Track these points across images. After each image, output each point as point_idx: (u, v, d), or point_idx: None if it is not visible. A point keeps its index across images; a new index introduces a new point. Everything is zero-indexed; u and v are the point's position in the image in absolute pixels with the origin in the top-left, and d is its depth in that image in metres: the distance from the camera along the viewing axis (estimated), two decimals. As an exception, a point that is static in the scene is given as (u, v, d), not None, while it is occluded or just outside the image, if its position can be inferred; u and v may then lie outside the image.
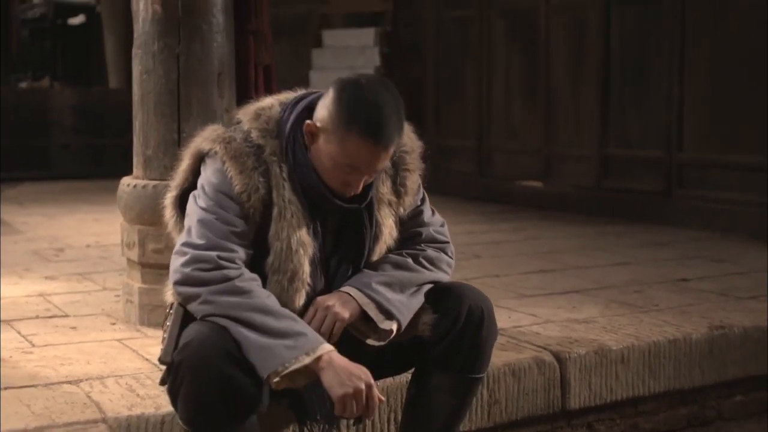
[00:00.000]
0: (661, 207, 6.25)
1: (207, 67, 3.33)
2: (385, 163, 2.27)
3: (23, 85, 11.28)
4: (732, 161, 5.86)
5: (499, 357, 2.97)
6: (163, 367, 2.26)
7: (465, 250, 4.85)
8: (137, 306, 3.40)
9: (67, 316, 3.57)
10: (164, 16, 3.29)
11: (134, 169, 3.45)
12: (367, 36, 8.26)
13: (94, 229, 5.93)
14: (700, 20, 6.03)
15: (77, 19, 11.60)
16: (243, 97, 3.27)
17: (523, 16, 7.36)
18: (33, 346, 3.13)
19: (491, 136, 7.73)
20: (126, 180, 3.45)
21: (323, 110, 2.22)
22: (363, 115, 2.16)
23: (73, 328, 3.38)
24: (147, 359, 2.95)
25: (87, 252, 5.07)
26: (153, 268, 3.36)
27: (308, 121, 2.23)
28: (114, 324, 3.44)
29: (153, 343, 3.09)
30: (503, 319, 3.38)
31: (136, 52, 3.39)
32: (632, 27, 6.49)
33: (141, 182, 3.37)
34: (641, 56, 6.43)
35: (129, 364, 2.91)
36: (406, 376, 2.63)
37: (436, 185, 2.51)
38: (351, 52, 8.24)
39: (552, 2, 7.09)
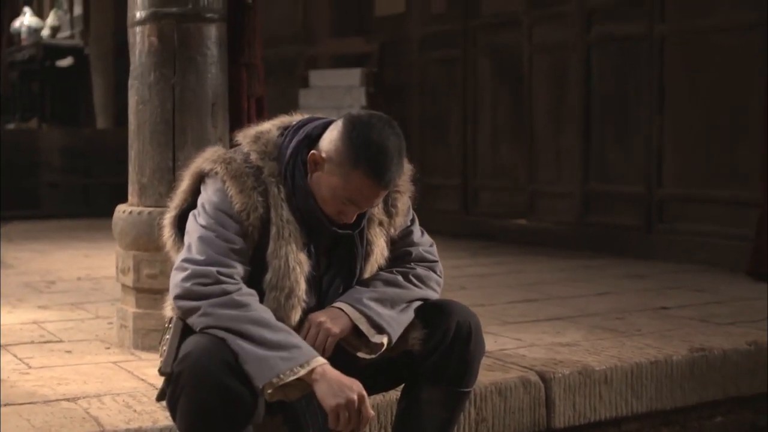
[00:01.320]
0: (642, 241, 6.36)
1: (201, 98, 3.43)
2: (381, 199, 2.38)
3: (11, 126, 11.36)
4: (711, 196, 5.98)
5: (485, 376, 3.05)
6: (159, 386, 2.34)
7: (451, 282, 4.90)
8: (131, 330, 3.47)
9: (61, 341, 3.63)
10: (160, 47, 3.40)
11: (129, 197, 3.53)
12: (353, 76, 8.37)
13: (85, 263, 5.99)
14: (678, 59, 6.18)
15: (66, 61, 11.71)
16: (236, 127, 3.34)
17: (507, 55, 7.48)
18: (30, 368, 3.19)
19: (476, 175, 7.83)
20: (121, 207, 3.53)
21: (330, 144, 2.30)
22: (370, 157, 2.25)
23: (68, 351, 3.44)
24: (143, 379, 3.02)
25: (78, 284, 5.13)
26: (147, 293, 3.43)
27: (314, 151, 2.32)
28: (108, 348, 3.50)
29: (148, 365, 3.16)
30: (489, 343, 3.40)
31: (133, 83, 3.49)
32: (613, 65, 6.63)
33: (136, 209, 3.45)
34: (622, 94, 6.57)
35: (125, 383, 2.98)
36: (395, 393, 2.71)
37: (422, 223, 2.62)
38: (337, 92, 8.36)
39: (535, 41, 7.22)
